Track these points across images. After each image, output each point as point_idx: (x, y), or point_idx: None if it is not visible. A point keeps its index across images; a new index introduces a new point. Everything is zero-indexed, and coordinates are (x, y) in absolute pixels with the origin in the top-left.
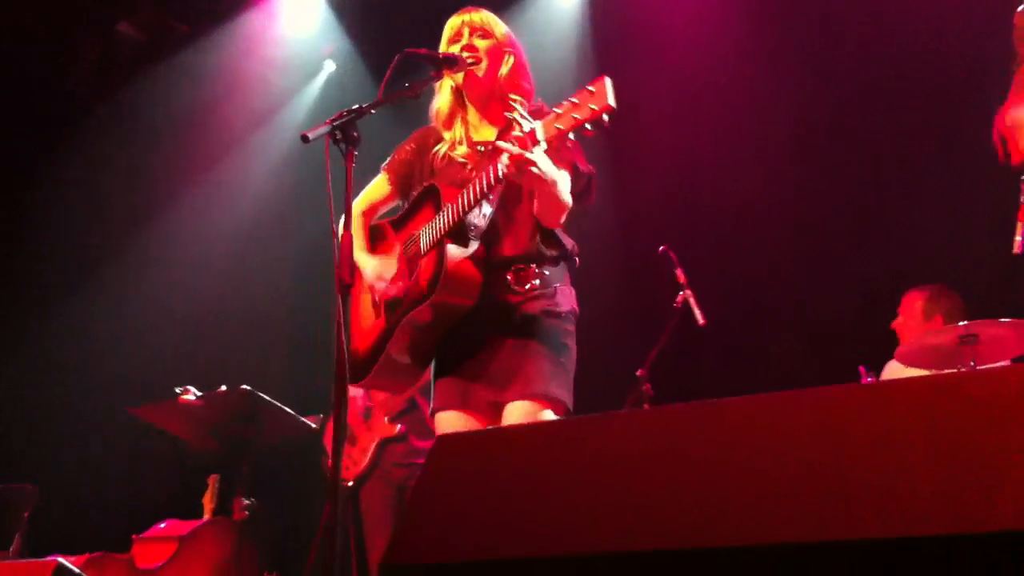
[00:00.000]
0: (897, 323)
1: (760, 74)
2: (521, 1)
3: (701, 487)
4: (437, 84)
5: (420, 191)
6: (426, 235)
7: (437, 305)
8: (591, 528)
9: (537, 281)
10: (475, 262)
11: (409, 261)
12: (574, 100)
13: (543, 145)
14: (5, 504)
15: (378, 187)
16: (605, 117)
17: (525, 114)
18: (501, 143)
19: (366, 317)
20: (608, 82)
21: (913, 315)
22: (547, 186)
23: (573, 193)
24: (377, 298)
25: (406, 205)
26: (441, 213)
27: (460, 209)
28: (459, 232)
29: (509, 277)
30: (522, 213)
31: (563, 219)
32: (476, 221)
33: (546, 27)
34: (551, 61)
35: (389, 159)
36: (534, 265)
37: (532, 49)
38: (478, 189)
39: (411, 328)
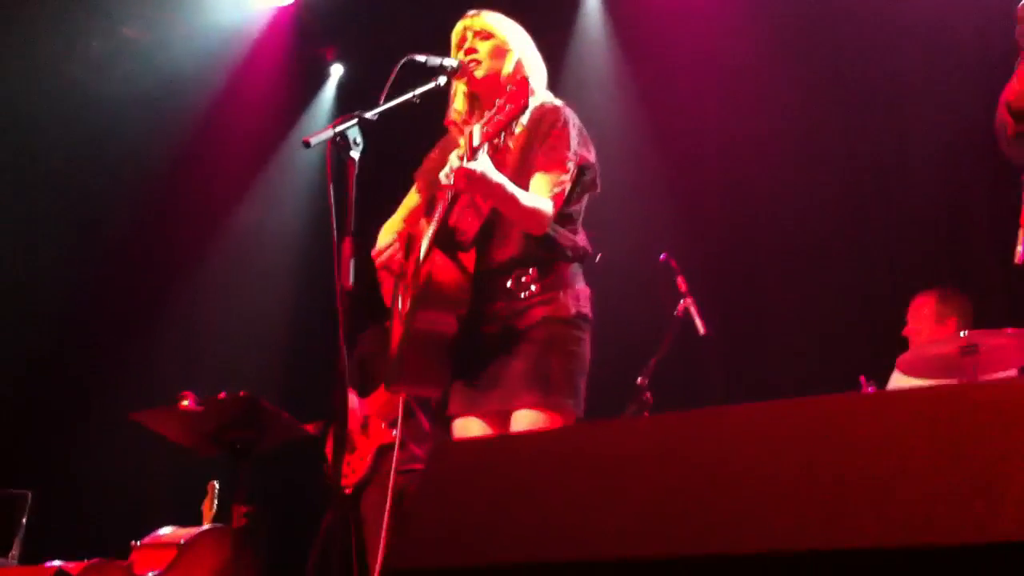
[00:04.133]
0: (908, 329)
1: (762, 85)
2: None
3: (701, 494)
4: (452, 90)
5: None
6: (425, 241)
7: (428, 310)
8: (590, 534)
9: (535, 287)
10: (461, 267)
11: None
12: (499, 101)
13: (483, 152)
14: (3, 510)
15: (411, 197)
16: (523, 119)
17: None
18: (452, 157)
19: (396, 321)
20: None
21: (924, 318)
22: (493, 194)
23: (576, 188)
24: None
25: None
26: (433, 221)
27: (440, 217)
28: (445, 238)
29: (509, 283)
30: None
31: (545, 222)
32: (460, 226)
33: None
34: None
35: (419, 168)
36: (534, 268)
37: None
38: (448, 198)
39: (419, 332)
